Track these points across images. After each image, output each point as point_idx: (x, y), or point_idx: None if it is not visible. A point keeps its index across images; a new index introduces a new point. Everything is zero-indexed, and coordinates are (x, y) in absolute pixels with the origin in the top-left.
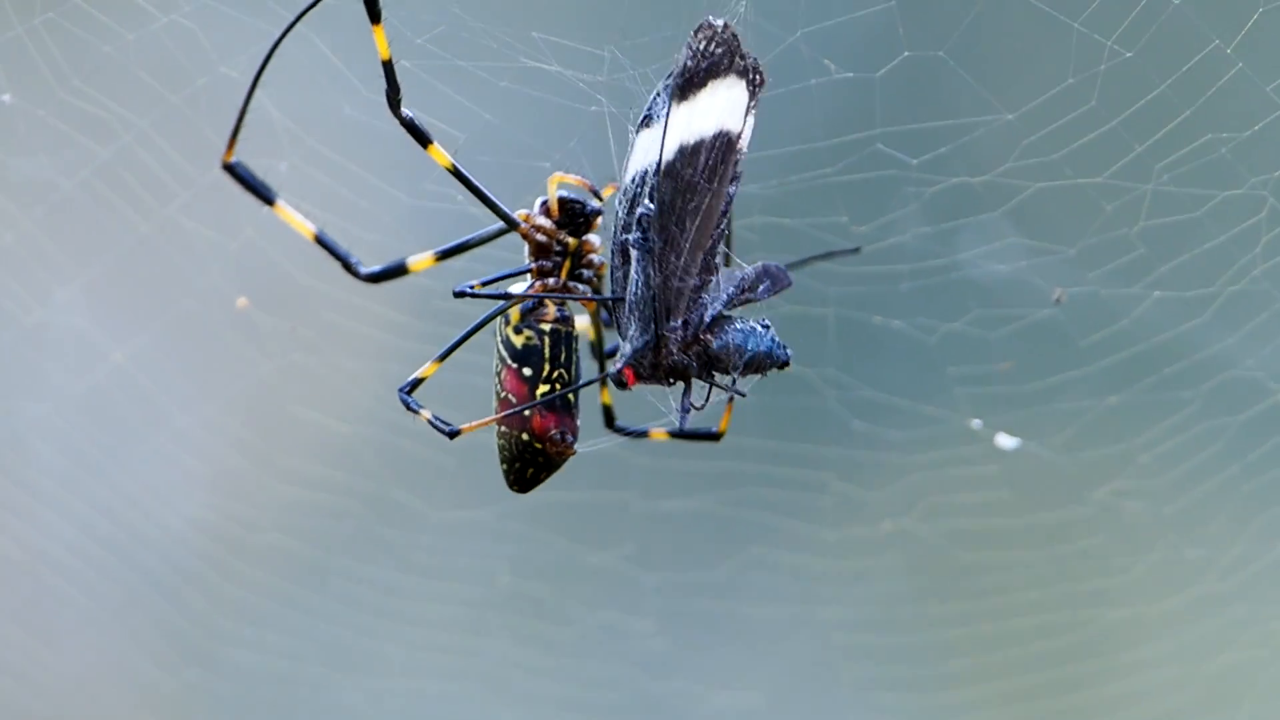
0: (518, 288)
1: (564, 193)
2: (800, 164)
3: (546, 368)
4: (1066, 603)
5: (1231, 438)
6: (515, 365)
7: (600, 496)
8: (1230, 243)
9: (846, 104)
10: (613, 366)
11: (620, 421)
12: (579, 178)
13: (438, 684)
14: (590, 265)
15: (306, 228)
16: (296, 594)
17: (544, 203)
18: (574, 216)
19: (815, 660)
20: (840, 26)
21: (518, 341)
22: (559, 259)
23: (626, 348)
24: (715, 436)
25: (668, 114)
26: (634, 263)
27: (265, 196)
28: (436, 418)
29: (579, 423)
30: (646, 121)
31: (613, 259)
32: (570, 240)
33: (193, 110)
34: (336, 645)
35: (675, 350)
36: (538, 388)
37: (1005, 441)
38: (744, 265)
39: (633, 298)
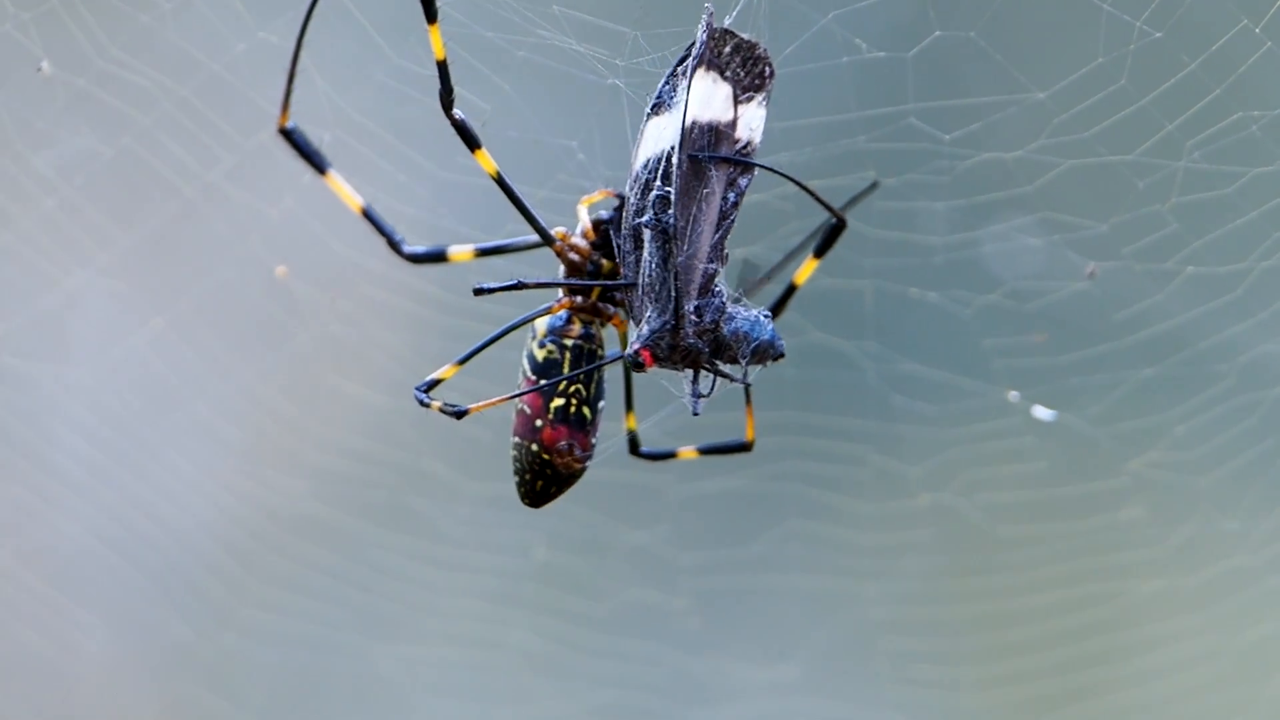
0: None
1: (603, 214)
2: (833, 133)
3: (563, 382)
4: (1101, 575)
5: (1266, 412)
6: (534, 378)
7: (638, 478)
8: (1262, 219)
9: (879, 82)
10: (630, 348)
11: (645, 448)
12: (604, 190)
13: (472, 654)
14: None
15: (355, 201)
16: (332, 562)
17: (583, 224)
18: (609, 236)
19: (852, 634)
20: (872, 7)
21: (540, 355)
22: (592, 279)
23: (644, 329)
24: (746, 447)
25: (689, 91)
26: (647, 245)
27: (318, 165)
28: (446, 404)
29: (594, 440)
30: (656, 108)
31: (623, 244)
32: (605, 262)
33: (234, 77)
34: (371, 613)
35: (691, 333)
36: (552, 400)
37: (1042, 413)
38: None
39: (647, 280)
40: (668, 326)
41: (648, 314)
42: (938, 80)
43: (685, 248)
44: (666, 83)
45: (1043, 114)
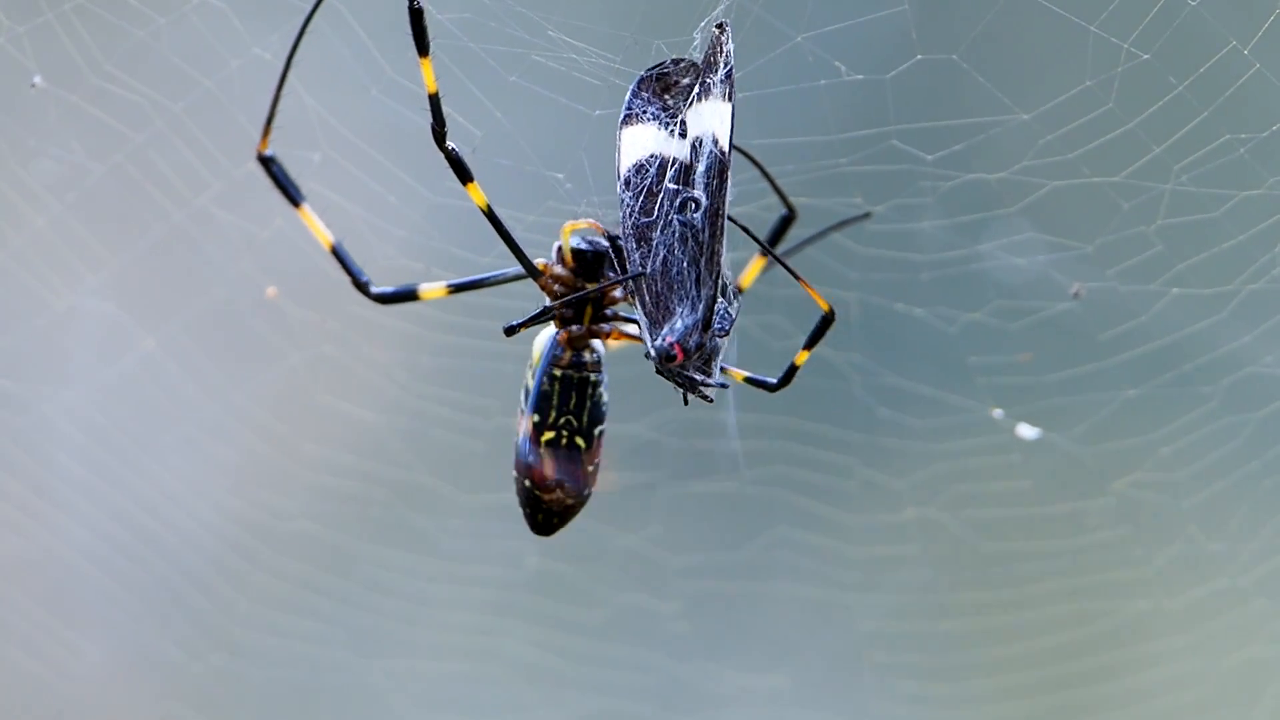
0: (545, 334)
1: (577, 242)
2: (815, 154)
3: (553, 414)
4: (1086, 594)
5: (1251, 433)
6: (526, 409)
7: (629, 478)
8: (1249, 242)
9: (861, 103)
10: (660, 339)
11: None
12: (590, 220)
13: (463, 666)
14: (614, 302)
15: (326, 237)
16: (324, 580)
17: (559, 248)
18: (589, 264)
19: (838, 646)
20: (853, 29)
21: (532, 387)
22: (581, 305)
23: (676, 324)
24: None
25: (733, 102)
26: (675, 245)
27: (293, 197)
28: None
29: (593, 467)
30: (627, 120)
31: (626, 244)
32: (589, 286)
33: (226, 94)
34: (363, 630)
35: (710, 334)
36: (543, 434)
37: (1026, 432)
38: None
39: (675, 276)
40: (699, 323)
41: (679, 310)
42: (920, 102)
43: (721, 246)
44: (636, 96)
45: (1028, 136)
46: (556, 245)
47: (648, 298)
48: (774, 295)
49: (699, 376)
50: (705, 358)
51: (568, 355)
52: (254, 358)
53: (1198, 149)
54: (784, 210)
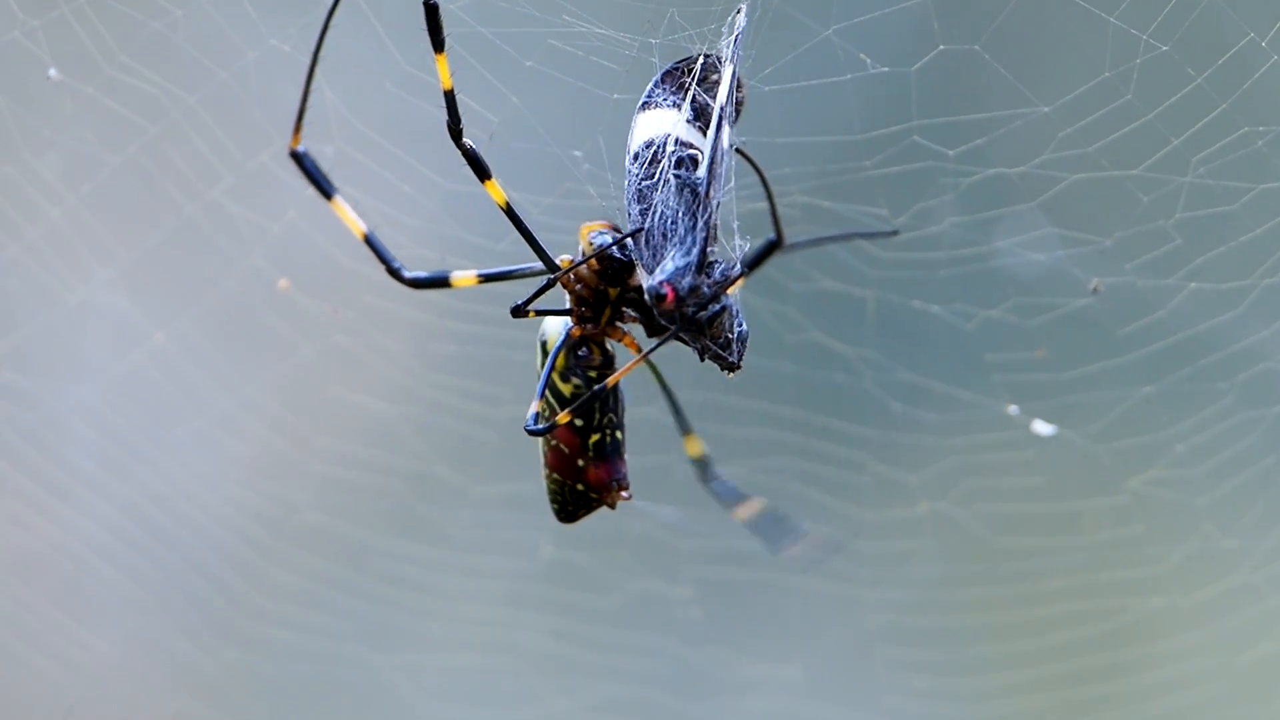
0: (555, 324)
1: (608, 239)
2: (839, 154)
3: (597, 416)
4: (1100, 591)
5: (1267, 429)
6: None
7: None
8: (1267, 235)
9: (883, 97)
10: (654, 279)
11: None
12: (605, 221)
13: (477, 658)
14: (632, 304)
15: (359, 226)
16: (336, 573)
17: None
18: (616, 269)
19: (850, 639)
20: (876, 21)
21: (565, 390)
22: (600, 306)
23: (668, 265)
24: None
25: (734, 67)
26: (672, 198)
27: (325, 190)
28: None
29: (627, 459)
30: (645, 106)
31: (629, 207)
32: (611, 290)
33: (242, 87)
34: (376, 623)
35: (707, 284)
36: (590, 437)
37: (1041, 428)
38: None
39: (671, 227)
40: (691, 266)
41: (671, 254)
42: (942, 95)
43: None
44: (657, 86)
45: (1048, 128)
46: (581, 250)
47: (646, 253)
48: (789, 289)
49: (714, 345)
50: (702, 303)
51: (597, 356)
52: (266, 350)
53: (1216, 141)
54: (772, 235)
